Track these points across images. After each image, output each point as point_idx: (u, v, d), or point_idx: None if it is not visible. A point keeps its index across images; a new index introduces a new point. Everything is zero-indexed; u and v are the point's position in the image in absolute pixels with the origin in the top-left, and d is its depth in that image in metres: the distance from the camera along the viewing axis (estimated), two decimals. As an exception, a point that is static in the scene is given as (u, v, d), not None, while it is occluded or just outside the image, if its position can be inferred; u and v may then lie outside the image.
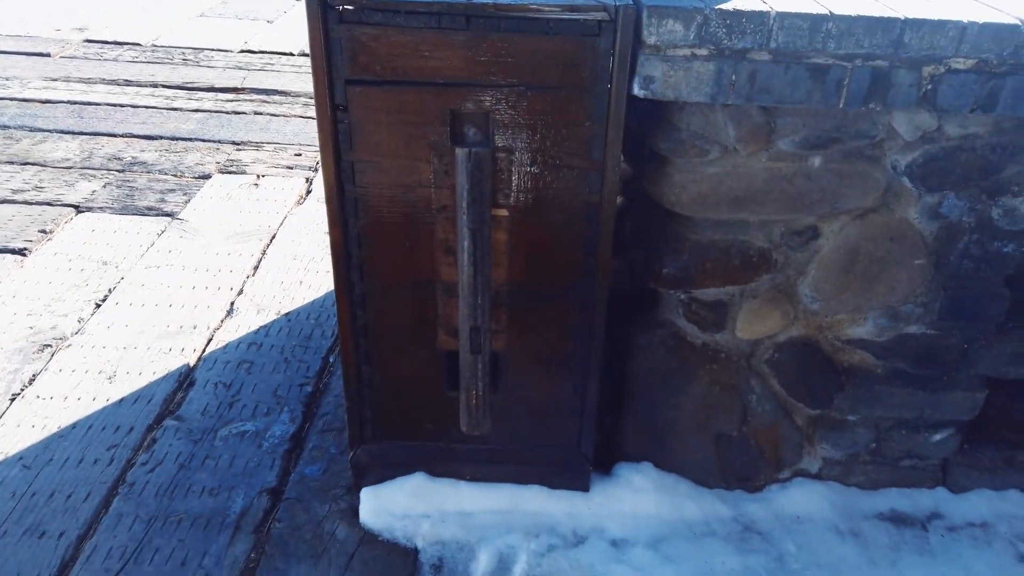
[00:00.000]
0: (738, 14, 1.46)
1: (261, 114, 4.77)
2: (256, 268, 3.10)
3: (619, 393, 2.07)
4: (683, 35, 1.48)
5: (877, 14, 1.46)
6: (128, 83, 5.07)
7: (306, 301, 2.90)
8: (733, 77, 1.52)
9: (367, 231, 1.72)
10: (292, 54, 5.87)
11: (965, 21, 1.45)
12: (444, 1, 1.49)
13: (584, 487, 2.02)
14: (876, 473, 2.10)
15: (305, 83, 5.24)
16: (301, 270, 3.09)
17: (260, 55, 5.84)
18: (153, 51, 5.73)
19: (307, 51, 6.01)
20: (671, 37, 1.48)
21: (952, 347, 1.92)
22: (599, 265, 1.75)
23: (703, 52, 1.50)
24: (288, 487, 2.06)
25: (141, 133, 4.34)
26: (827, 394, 1.98)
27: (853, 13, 1.46)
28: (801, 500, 2.05)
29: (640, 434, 2.06)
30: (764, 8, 1.46)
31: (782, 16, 1.46)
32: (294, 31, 6.29)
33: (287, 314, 2.82)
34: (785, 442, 2.06)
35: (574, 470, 2.00)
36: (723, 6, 1.46)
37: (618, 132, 1.61)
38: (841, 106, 1.54)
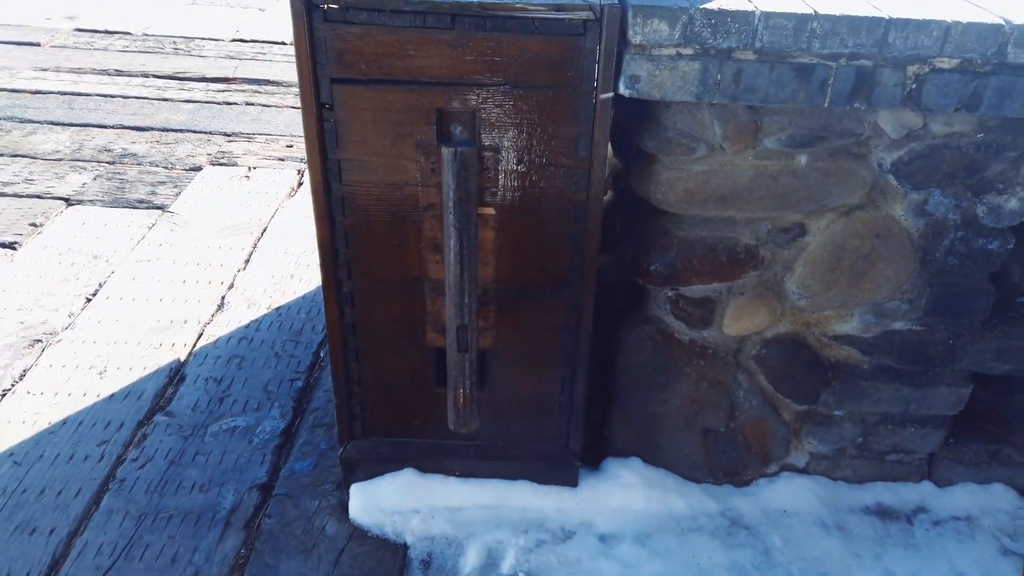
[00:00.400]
0: (723, 13, 1.45)
1: (252, 105, 4.75)
2: (247, 262, 3.10)
3: (608, 388, 2.08)
4: (668, 35, 1.47)
5: (862, 13, 1.46)
6: (119, 73, 5.04)
7: (297, 295, 2.90)
8: (718, 76, 1.52)
9: (354, 229, 1.72)
10: (284, 43, 5.84)
11: (949, 21, 1.45)
12: (429, 0, 1.48)
13: (572, 482, 2.03)
14: (862, 467, 2.12)
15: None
16: (292, 264, 3.09)
17: (252, 44, 5.80)
18: (144, 40, 5.69)
19: (299, 41, 5.82)
20: (656, 37, 1.48)
21: (938, 343, 1.93)
22: (586, 263, 1.76)
23: (688, 51, 1.50)
24: (278, 483, 2.07)
25: (131, 124, 4.32)
26: (814, 390, 2.00)
27: (838, 12, 1.45)
28: (788, 494, 2.07)
29: (628, 429, 2.07)
30: (749, 8, 1.46)
31: (767, 15, 1.45)
32: (286, 20, 6.20)
33: (278, 308, 2.82)
34: (772, 437, 2.07)
35: (562, 466, 2.02)
36: (708, 6, 1.46)
37: (604, 131, 1.61)
38: (826, 105, 1.54)
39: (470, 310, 1.65)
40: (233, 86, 5.02)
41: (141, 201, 3.52)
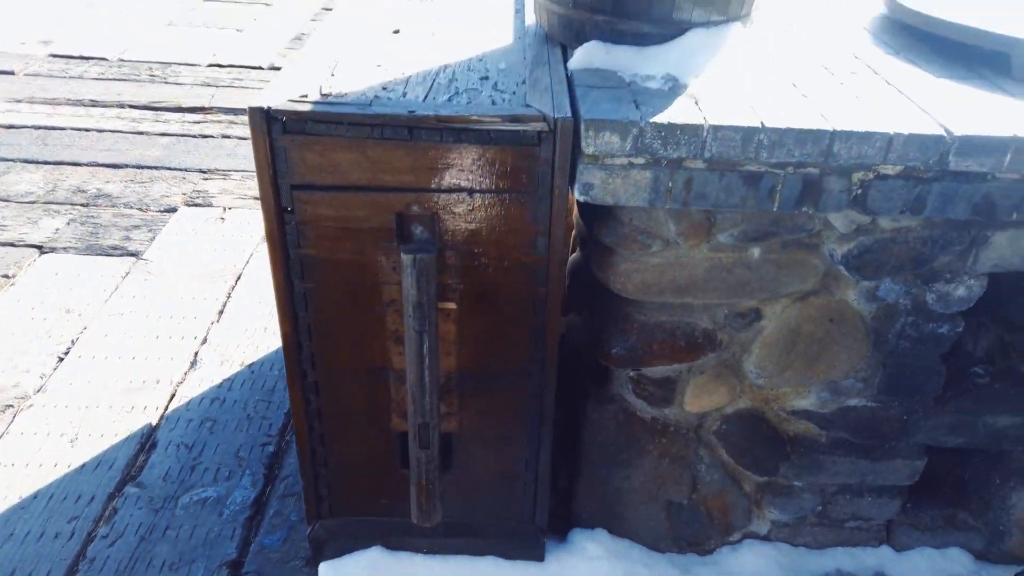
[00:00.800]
0: (672, 127, 1.49)
1: (229, 137, 4.75)
2: (221, 313, 3.11)
3: (574, 457, 2.12)
4: (620, 146, 1.51)
5: (807, 126, 1.50)
6: (94, 103, 5.02)
7: (270, 350, 2.92)
8: (670, 184, 1.55)
9: (317, 324, 1.74)
10: (261, 68, 5.82)
11: (891, 132, 1.49)
12: (387, 113, 1.51)
13: (539, 557, 2.07)
14: (822, 534, 2.17)
15: (274, 101, 5.20)
16: (266, 315, 3.11)
17: (229, 69, 5.78)
18: (120, 66, 5.65)
19: (277, 65, 5.87)
20: (608, 148, 1.51)
21: (892, 419, 1.98)
22: (548, 352, 1.79)
23: (640, 161, 1.54)
24: (248, 558, 2.10)
25: (106, 161, 4.31)
26: (773, 463, 2.04)
27: (783, 125, 1.49)
28: (750, 562, 2.12)
29: (594, 502, 2.11)
30: (698, 121, 1.49)
31: (715, 128, 1.49)
32: (264, 41, 6.22)
33: (251, 365, 2.84)
34: (734, 508, 2.12)
35: (529, 541, 2.05)
36: (658, 119, 1.50)
37: (561, 230, 1.64)
38: (775, 210, 1.58)
39: (431, 409, 1.68)
40: (210, 116, 5.02)
41: (115, 248, 3.52)
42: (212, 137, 4.73)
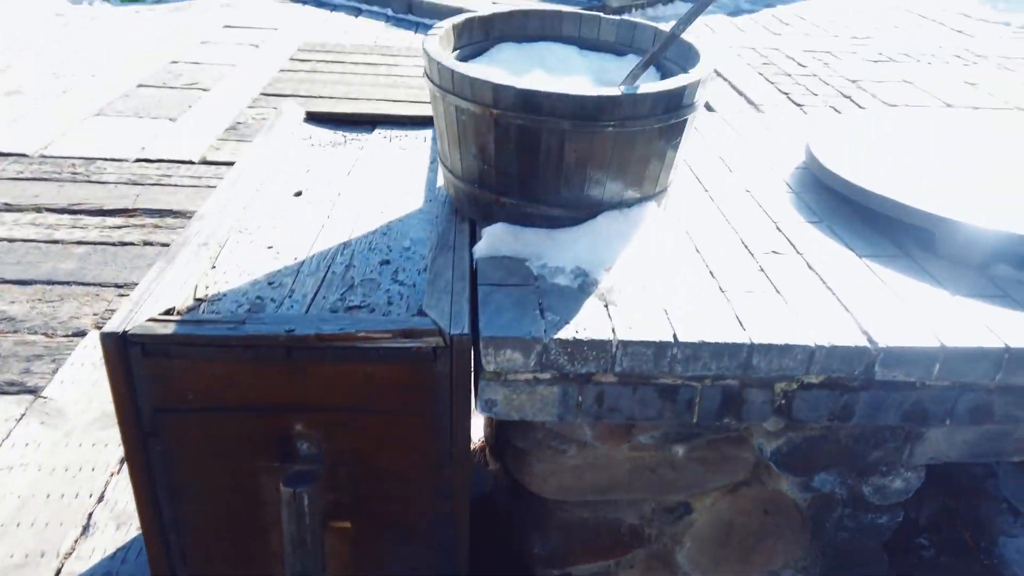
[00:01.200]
0: (578, 343, 1.36)
1: (151, 244, 4.52)
2: (122, 462, 2.85)
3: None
4: (523, 362, 1.37)
5: (723, 339, 1.38)
6: (8, 208, 4.76)
7: (174, 508, 2.67)
8: (579, 398, 1.42)
9: (192, 548, 1.54)
10: (192, 162, 5.62)
11: (812, 345, 1.39)
12: (261, 334, 1.35)
13: None
14: None
15: (203, 199, 5.00)
16: (173, 464, 2.86)
17: (157, 164, 5.57)
18: (40, 163, 5.42)
19: (209, 158, 5.64)
20: (511, 365, 1.37)
21: (834, 607, 1.85)
22: (457, 563, 1.62)
23: (546, 376, 1.40)
24: None
25: (14, 277, 4.04)
26: (712, 657, 1.88)
27: (697, 339, 1.38)
28: None
29: None
30: (606, 335, 1.37)
31: (625, 344, 1.37)
32: (198, 132, 6.03)
33: (151, 528, 2.58)
34: None
35: None
36: (564, 332, 1.37)
37: (466, 445, 1.48)
38: (695, 422, 1.46)
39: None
40: (132, 220, 4.79)
41: (12, 384, 3.24)
42: (133, 244, 4.50)
